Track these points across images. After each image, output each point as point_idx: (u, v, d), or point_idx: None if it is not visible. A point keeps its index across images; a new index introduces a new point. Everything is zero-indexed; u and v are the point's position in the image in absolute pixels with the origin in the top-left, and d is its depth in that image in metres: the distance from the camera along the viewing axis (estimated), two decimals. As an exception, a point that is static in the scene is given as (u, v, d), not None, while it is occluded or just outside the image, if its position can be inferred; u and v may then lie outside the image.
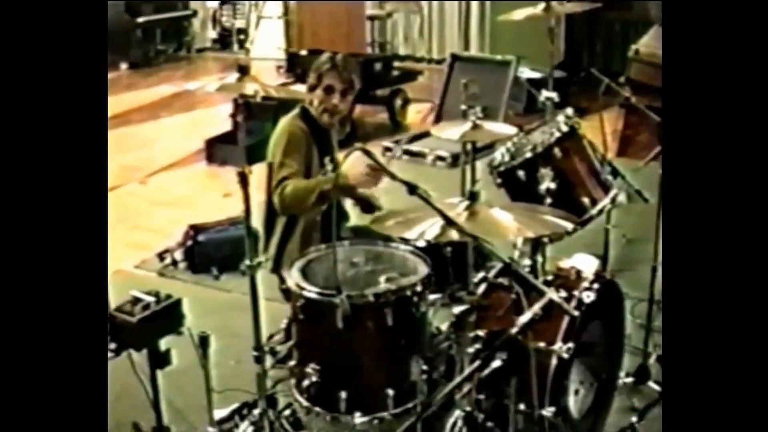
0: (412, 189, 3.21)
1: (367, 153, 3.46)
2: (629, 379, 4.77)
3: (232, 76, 3.81)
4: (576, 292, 4.01)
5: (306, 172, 4.66)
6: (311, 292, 3.74)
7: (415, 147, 9.88)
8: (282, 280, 4.60)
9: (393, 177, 3.34)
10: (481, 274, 4.21)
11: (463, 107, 4.95)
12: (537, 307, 2.84)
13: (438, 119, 10.60)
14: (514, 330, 2.84)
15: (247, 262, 3.82)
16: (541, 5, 5.87)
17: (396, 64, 12.55)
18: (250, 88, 3.76)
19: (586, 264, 4.56)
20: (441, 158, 9.54)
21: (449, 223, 3.12)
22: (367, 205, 4.98)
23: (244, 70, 3.78)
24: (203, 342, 3.97)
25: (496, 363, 2.81)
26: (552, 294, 2.84)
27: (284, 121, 4.76)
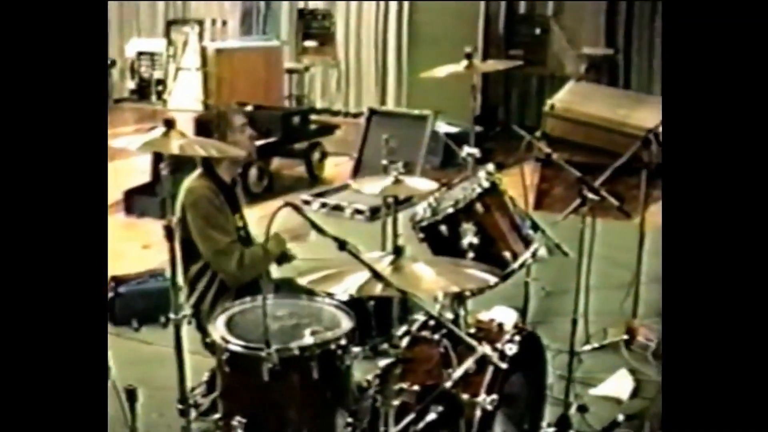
0: (342, 245, 3.25)
1: (296, 208, 3.49)
2: (551, 429, 4.81)
3: (157, 131, 3.77)
4: (498, 345, 4.06)
5: None
6: (237, 345, 3.74)
7: (333, 200, 9.92)
8: (204, 334, 4.61)
9: (322, 233, 3.37)
10: (404, 328, 4.25)
11: (385, 162, 5.01)
12: (470, 362, 2.89)
13: (356, 173, 10.66)
14: (448, 384, 2.88)
15: (172, 315, 3.81)
16: (464, 63, 5.97)
17: (313, 117, 12.61)
18: (175, 146, 3.70)
19: (505, 316, 4.63)
20: (359, 212, 9.59)
21: (379, 279, 3.16)
22: (283, 256, 4.97)
23: (170, 124, 3.74)
24: (130, 395, 3.93)
25: (431, 416, 2.85)
26: (486, 349, 2.89)
27: (193, 184, 4.74)
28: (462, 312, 4.49)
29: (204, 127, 4.82)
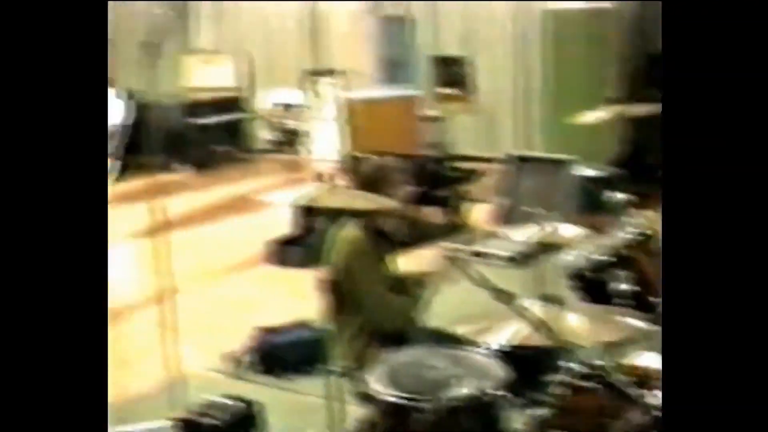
0: (509, 299, 3.25)
1: (454, 260, 3.51)
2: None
3: (312, 184, 3.84)
4: (655, 391, 4.00)
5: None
6: (393, 396, 3.74)
7: (479, 247, 9.89)
8: (357, 384, 4.63)
9: (487, 287, 3.37)
10: (560, 377, 4.21)
11: (530, 208, 4.99)
12: (629, 410, 2.85)
13: (501, 219, 10.62)
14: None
15: (325, 365, 3.84)
16: (610, 108, 5.94)
17: (456, 164, 12.59)
18: (332, 199, 3.75)
19: (655, 362, 4.56)
20: (506, 258, 9.54)
21: (540, 329, 3.15)
22: None
23: (326, 178, 3.80)
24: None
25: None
26: (644, 396, 2.85)
27: (348, 235, 4.83)
28: (617, 360, 4.44)
29: (362, 178, 4.88)
